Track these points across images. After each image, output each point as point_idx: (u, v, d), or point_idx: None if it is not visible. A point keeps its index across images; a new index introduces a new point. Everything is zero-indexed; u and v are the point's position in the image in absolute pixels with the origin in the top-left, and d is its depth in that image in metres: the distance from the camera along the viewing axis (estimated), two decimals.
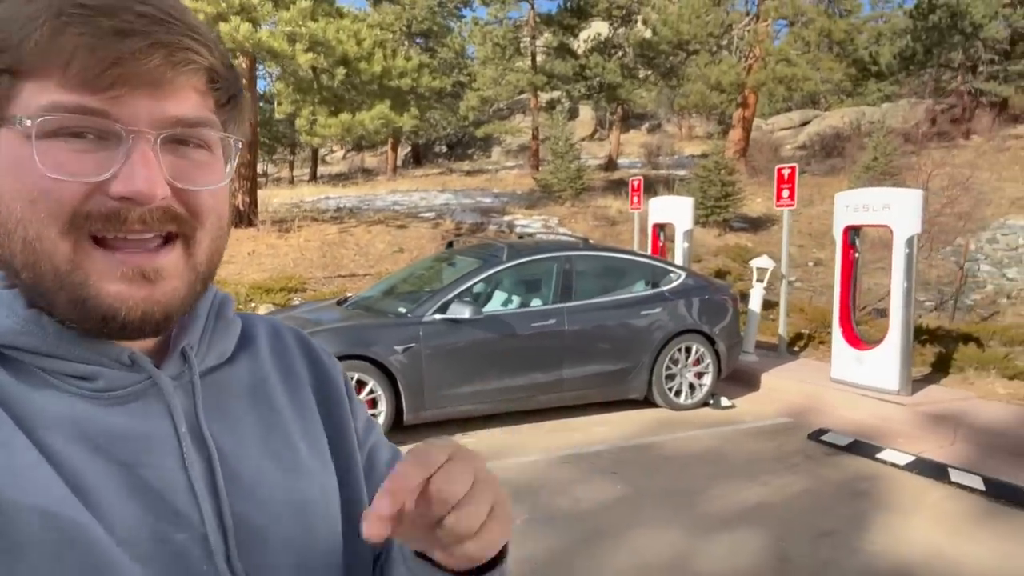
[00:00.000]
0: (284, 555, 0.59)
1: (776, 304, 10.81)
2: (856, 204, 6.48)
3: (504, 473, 4.73)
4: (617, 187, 23.34)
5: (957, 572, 3.48)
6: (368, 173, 31.18)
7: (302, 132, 12.58)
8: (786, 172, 7.83)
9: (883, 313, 9.93)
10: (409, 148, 36.70)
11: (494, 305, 5.93)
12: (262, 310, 9.00)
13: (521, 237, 12.27)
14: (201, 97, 0.55)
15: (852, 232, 6.63)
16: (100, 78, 0.50)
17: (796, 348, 8.43)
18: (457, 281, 5.59)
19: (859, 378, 6.34)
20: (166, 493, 0.54)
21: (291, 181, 30.79)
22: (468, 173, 27.15)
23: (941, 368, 7.16)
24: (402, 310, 5.45)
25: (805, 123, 34.58)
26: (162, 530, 0.53)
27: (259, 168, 38.71)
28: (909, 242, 6.06)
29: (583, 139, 39.92)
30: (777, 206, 8.01)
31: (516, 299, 6.02)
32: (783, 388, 6.83)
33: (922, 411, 5.76)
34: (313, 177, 29.22)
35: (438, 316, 5.30)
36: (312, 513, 0.63)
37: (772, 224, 15.82)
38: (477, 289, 5.71)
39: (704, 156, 19.24)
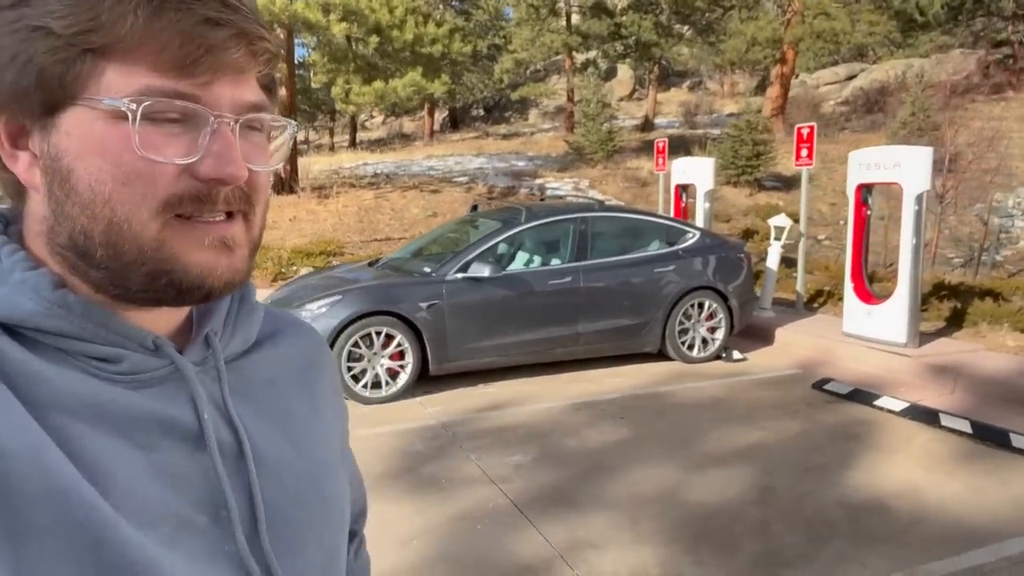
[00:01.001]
0: (306, 539, 0.61)
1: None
2: (868, 162, 6.63)
3: (521, 419, 5.15)
4: (652, 148, 23.32)
5: (926, 502, 3.79)
6: (406, 138, 31.55)
7: (338, 100, 12.96)
8: (804, 131, 7.95)
9: None
10: (447, 112, 36.95)
11: (514, 264, 6.30)
12: (303, 272, 9.51)
13: (543, 200, 12.55)
14: (258, 82, 0.58)
15: (864, 190, 6.79)
16: (193, 65, 0.51)
17: (816, 305, 8.63)
18: (478, 242, 5.97)
19: (869, 332, 6.57)
20: (188, 476, 0.55)
21: (332, 148, 31.34)
22: (504, 136, 27.33)
23: (955, 322, 7.31)
24: (427, 270, 5.86)
25: (851, 77, 33.64)
26: (184, 513, 0.54)
27: (301, 135, 39.38)
28: (918, 199, 6.21)
29: (621, 99, 39.59)
30: (796, 165, 8.15)
31: (535, 258, 6.38)
32: (796, 342, 7.09)
33: (926, 362, 5.98)
34: (352, 143, 29.70)
35: (460, 275, 5.69)
36: (329, 501, 0.66)
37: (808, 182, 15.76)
38: (497, 249, 6.08)
39: (738, 115, 19.11)
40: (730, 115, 27.89)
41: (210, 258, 0.55)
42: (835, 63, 37.36)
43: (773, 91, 21.81)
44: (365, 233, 12.08)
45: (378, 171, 17.37)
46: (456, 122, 35.93)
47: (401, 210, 13.10)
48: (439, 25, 13.34)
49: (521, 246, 6.42)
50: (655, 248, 6.63)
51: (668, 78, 42.04)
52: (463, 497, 3.90)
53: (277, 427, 0.63)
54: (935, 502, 3.80)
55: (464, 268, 5.72)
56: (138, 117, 0.50)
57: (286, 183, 14.31)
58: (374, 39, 12.37)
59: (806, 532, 3.50)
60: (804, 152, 7.94)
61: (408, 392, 5.60)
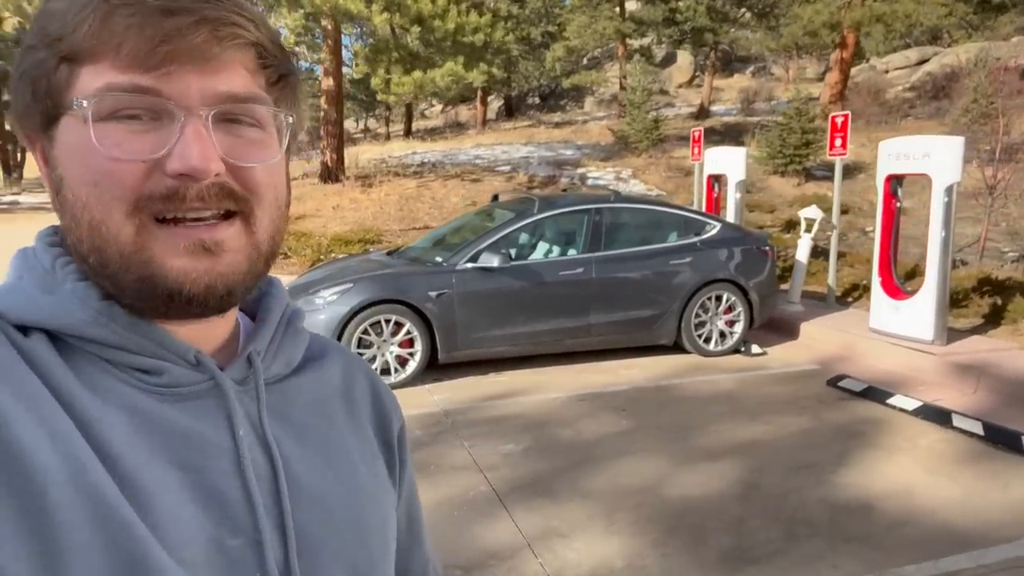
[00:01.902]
0: (340, 566, 0.60)
1: (842, 255, 10.66)
2: (897, 152, 6.40)
3: (522, 408, 5.21)
4: (707, 136, 22.82)
5: (917, 504, 3.69)
6: (460, 127, 31.76)
7: (378, 91, 13.17)
8: (839, 120, 7.71)
9: (956, 265, 9.62)
10: (502, 101, 36.98)
11: (528, 254, 6.33)
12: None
13: (564, 191, 12.49)
14: (251, 75, 0.56)
15: (894, 181, 6.56)
16: (149, 56, 0.51)
17: (850, 299, 8.38)
18: (489, 232, 6.02)
19: (895, 328, 6.37)
20: (221, 497, 0.54)
21: (387, 137, 31.83)
22: (556, 125, 27.21)
23: (994, 319, 7.01)
24: (439, 259, 5.95)
25: (923, 61, 32.21)
26: (217, 535, 0.53)
27: (360, 124, 39.96)
28: (948, 191, 5.98)
29: (680, 86, 38.90)
30: (830, 155, 7.91)
31: (548, 249, 6.40)
32: (821, 337, 6.92)
33: (951, 360, 5.77)
34: (407, 132, 30.08)
35: (469, 265, 5.77)
36: (368, 529, 0.64)
37: (859, 172, 15.23)
38: (510, 240, 6.12)
39: (789, 101, 18.56)
40: (790, 101, 27.14)
41: (186, 263, 0.53)
42: (907, 47, 35.86)
43: (832, 77, 21.11)
44: (404, 222, 12.27)
45: (425, 160, 17.58)
46: (511, 110, 35.94)
47: (441, 199, 13.25)
48: (481, 14, 13.36)
49: (535, 237, 6.45)
50: (672, 240, 6.57)
51: (731, 64, 41.08)
52: (447, 483, 3.98)
53: (315, 451, 0.62)
54: (926, 504, 3.70)
55: (474, 258, 5.79)
56: (90, 116, 0.50)
57: (332, 172, 14.64)
58: (415, 29, 12.50)
59: (782, 530, 3.46)
60: (838, 142, 7.70)
61: (418, 379, 5.71)
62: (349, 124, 41.58)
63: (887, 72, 31.47)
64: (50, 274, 0.56)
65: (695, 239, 6.57)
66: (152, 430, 0.53)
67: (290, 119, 0.59)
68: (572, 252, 6.27)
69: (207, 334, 0.60)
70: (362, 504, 0.64)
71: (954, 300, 7.76)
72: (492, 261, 5.70)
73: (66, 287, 0.55)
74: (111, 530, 0.47)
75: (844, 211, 13.19)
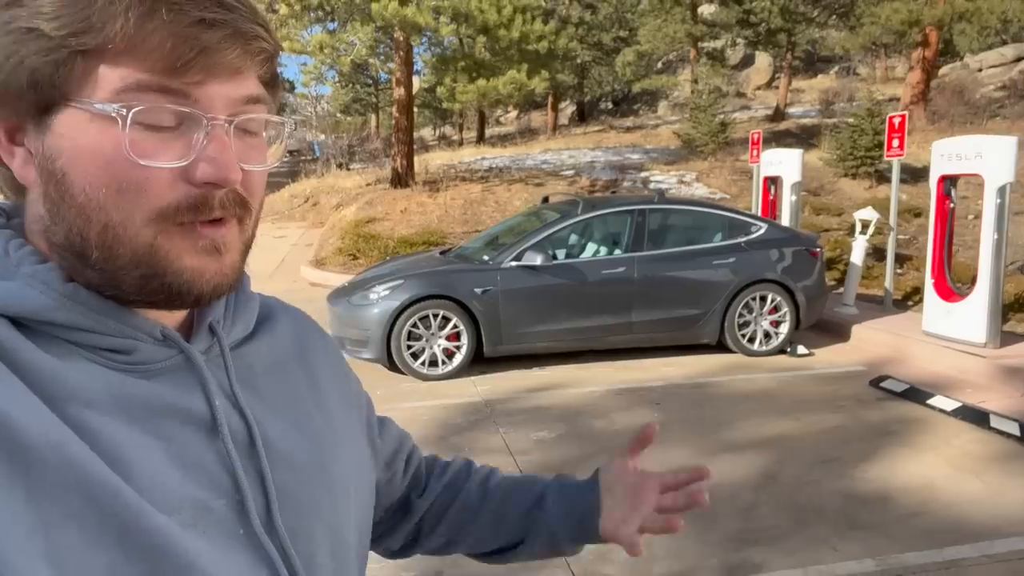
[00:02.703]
0: (316, 518, 0.62)
1: (908, 258, 10.41)
2: (950, 153, 6.32)
3: (560, 400, 5.44)
4: (782, 138, 22.42)
5: (934, 498, 3.73)
6: (532, 133, 32.13)
7: (443, 99, 13.62)
8: (896, 121, 7.61)
9: None
10: (575, 106, 37.18)
11: (572, 254, 6.57)
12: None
13: (614, 193, 12.57)
14: (260, 81, 0.58)
15: (947, 181, 6.47)
16: (186, 67, 0.51)
17: (910, 302, 8.23)
18: (534, 232, 6.29)
19: (948, 331, 6.28)
20: (202, 463, 0.56)
21: (460, 143, 32.52)
22: (627, 130, 27.22)
23: None
24: (485, 258, 6.26)
25: (1020, 58, 30.61)
26: (202, 498, 0.54)
27: (437, 132, 40.85)
28: (1000, 191, 5.88)
29: (758, 88, 38.11)
30: (887, 156, 7.81)
31: (592, 249, 6.62)
32: (872, 340, 6.86)
33: (1002, 363, 5.66)
34: (480, 139, 30.65)
35: (514, 263, 6.05)
36: (335, 483, 0.66)
37: None
38: (553, 240, 6.36)
39: (876, 102, 18.06)
40: (879, 102, 26.27)
41: (200, 263, 0.55)
42: (1004, 43, 34.09)
43: (913, 76, 20.37)
44: (468, 225, 12.66)
45: (492, 165, 17.99)
46: (583, 115, 36.10)
47: (504, 203, 13.59)
48: (546, 22, 13.66)
49: (580, 237, 6.68)
50: (716, 240, 6.67)
51: (814, 64, 39.98)
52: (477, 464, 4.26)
53: (280, 412, 0.64)
54: (944, 499, 3.73)
55: (518, 257, 6.06)
56: (128, 122, 0.50)
57: (402, 177, 15.20)
58: (481, 38, 12.90)
59: (791, 517, 3.58)
60: (895, 142, 7.60)
61: (464, 371, 6.02)
62: (426, 132, 42.67)
63: (980, 70, 30.05)
64: (2, 258, 0.55)
65: (740, 240, 6.65)
66: (128, 405, 0.53)
67: (292, 125, 0.63)
68: (616, 252, 6.47)
69: (169, 311, 0.60)
70: (328, 458, 0.66)
71: (1017, 304, 7.55)
72: (535, 260, 5.96)
73: (24, 270, 0.54)
74: (101, 500, 0.47)
75: (917, 214, 12.82)
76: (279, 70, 0.62)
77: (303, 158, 29.93)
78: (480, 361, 6.13)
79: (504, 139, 29.99)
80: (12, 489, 0.45)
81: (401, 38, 14.11)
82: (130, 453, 0.51)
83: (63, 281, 0.54)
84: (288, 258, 12.90)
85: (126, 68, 0.50)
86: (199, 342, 0.61)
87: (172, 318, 0.60)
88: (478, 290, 5.92)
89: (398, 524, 0.91)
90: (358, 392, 0.80)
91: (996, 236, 5.91)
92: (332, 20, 13.97)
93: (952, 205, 6.53)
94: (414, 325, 5.84)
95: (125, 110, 0.50)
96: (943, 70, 29.84)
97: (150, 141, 0.51)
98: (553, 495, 0.90)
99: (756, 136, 10.08)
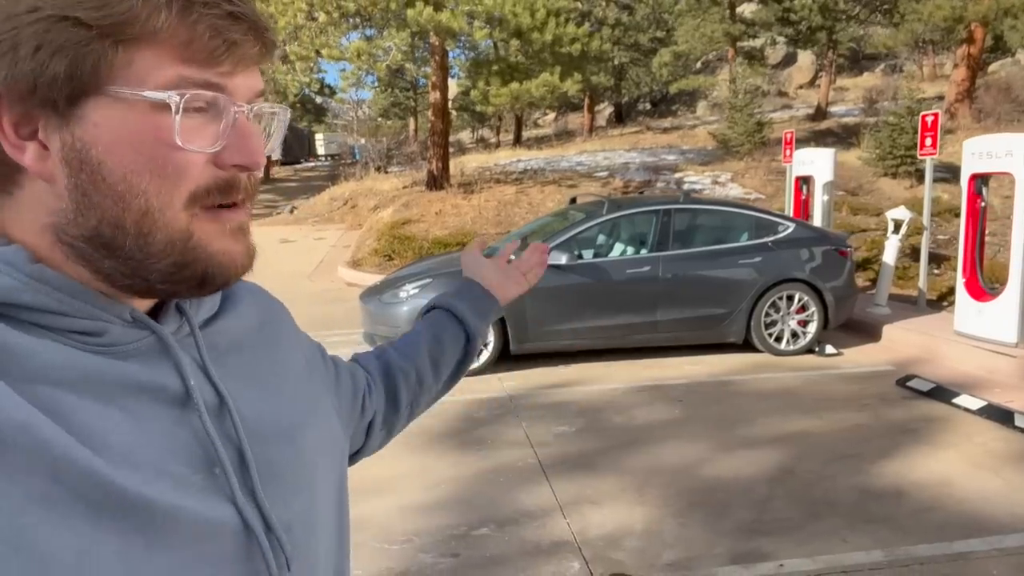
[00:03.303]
0: (293, 488, 0.64)
1: (946, 258, 10.24)
2: (981, 151, 6.26)
3: (583, 396, 5.55)
4: (823, 138, 22.11)
5: (949, 494, 3.75)
6: (570, 135, 32.18)
7: (477, 102, 13.81)
8: (929, 119, 7.53)
9: None
10: (612, 108, 37.13)
11: (600, 253, 6.66)
12: None
13: (641, 193, 12.57)
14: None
15: (978, 180, 6.40)
16: (220, 58, 0.54)
17: (945, 303, 8.12)
18: (560, 232, 6.41)
19: (979, 330, 6.21)
20: (180, 439, 0.56)
21: (497, 144, 32.73)
22: (664, 131, 27.10)
23: None
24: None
25: None
26: (180, 473, 0.55)
27: (475, 135, 41.11)
28: None
29: (800, 87, 37.56)
30: (920, 155, 7.73)
31: (619, 248, 6.70)
32: (903, 340, 6.82)
33: None
34: (516, 141, 30.83)
35: None
36: (307, 451, 0.68)
37: None
38: (579, 239, 6.47)
39: (917, 100, 17.72)
40: (920, 100, 25.73)
41: (231, 246, 0.57)
42: None
43: (958, 74, 19.91)
44: (501, 226, 12.81)
45: (527, 167, 18.12)
46: (621, 117, 36.03)
47: (538, 204, 13.71)
48: (579, 25, 13.75)
49: (606, 236, 6.77)
50: (743, 240, 6.70)
51: (859, 62, 39.25)
52: (500, 456, 4.40)
53: (250, 386, 0.65)
54: (960, 494, 3.75)
55: None
56: (180, 109, 0.52)
57: (437, 180, 15.43)
58: (515, 42, 13.06)
59: (805, 509, 3.64)
60: (928, 141, 7.52)
61: (491, 368, 6.16)
62: (464, 135, 43.02)
63: None
64: None
65: (767, 239, 6.67)
66: (101, 385, 0.53)
67: (288, 114, 0.65)
68: (642, 251, 6.54)
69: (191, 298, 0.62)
70: (300, 427, 0.68)
71: None
72: (561, 259, 6.08)
73: None
74: (71, 479, 0.47)
75: (958, 214, 12.56)
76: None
77: (343, 162, 30.40)
78: (507, 358, 6.27)
79: (541, 141, 30.08)
80: None
81: (436, 43, 14.35)
82: (105, 432, 0.51)
83: (29, 262, 0.53)
84: (327, 259, 13.22)
85: (165, 57, 0.52)
86: (168, 323, 0.61)
87: (141, 302, 0.60)
88: None
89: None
90: (312, 350, 0.82)
91: None
92: (369, 27, 14.26)
93: (983, 204, 6.46)
94: None
95: (179, 96, 0.52)
96: (993, 67, 29.04)
97: (188, 126, 0.53)
98: (460, 306, 1.07)
99: (789, 136, 10.03)
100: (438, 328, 1.04)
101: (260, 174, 0.60)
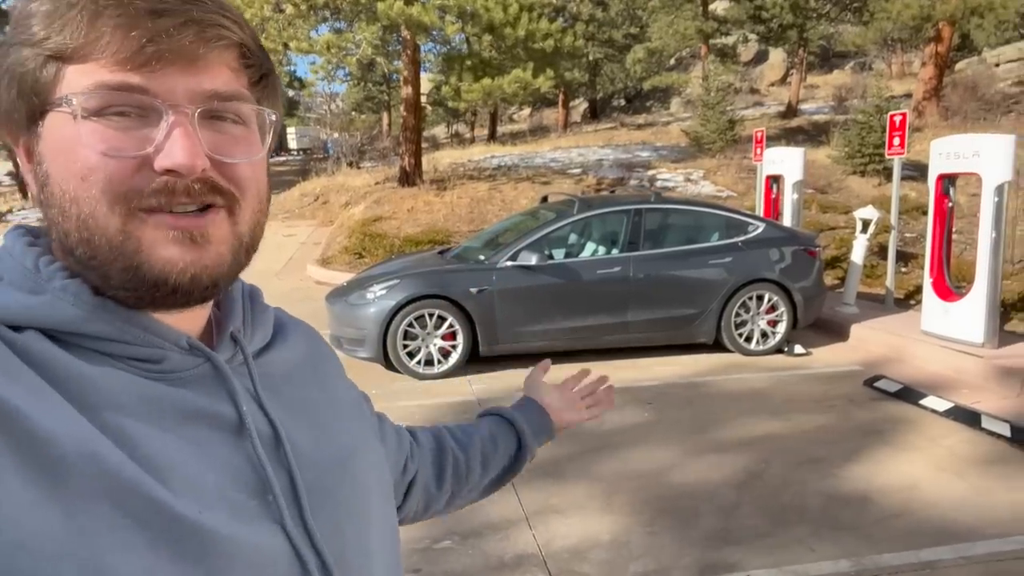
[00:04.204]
0: (345, 517, 0.65)
1: (914, 256, 10.34)
2: (948, 152, 6.28)
3: None
4: (793, 135, 22.27)
5: (916, 499, 3.74)
6: (545, 131, 32.12)
7: (449, 98, 13.68)
8: (897, 119, 7.57)
9: None
10: (587, 104, 37.13)
11: (569, 253, 6.59)
12: None
13: (612, 192, 12.58)
14: (234, 74, 0.58)
15: (946, 180, 6.43)
16: (137, 56, 0.52)
17: (912, 301, 8.18)
18: (530, 232, 6.33)
19: (946, 330, 6.25)
20: (235, 465, 0.58)
21: (472, 140, 32.58)
22: (638, 127, 27.15)
23: None
24: (481, 258, 6.30)
25: None
26: (237, 499, 0.56)
27: (450, 130, 40.90)
28: (998, 190, 5.84)
29: (771, 84, 37.89)
30: (888, 155, 7.77)
31: (590, 248, 6.64)
32: (871, 339, 6.84)
33: (999, 364, 5.63)
34: (491, 137, 30.68)
35: (509, 263, 6.09)
36: (360, 483, 0.69)
37: None
38: (549, 239, 6.39)
39: (886, 99, 17.90)
40: (889, 98, 26.04)
41: (174, 253, 0.55)
42: (1021, 37, 33.65)
43: (926, 72, 20.18)
44: (474, 223, 12.70)
45: (501, 163, 18.02)
46: (596, 113, 36.04)
47: (511, 201, 13.62)
48: (552, 20, 13.67)
49: (576, 236, 6.70)
50: (713, 240, 6.67)
51: (829, 60, 39.66)
52: None
53: (301, 415, 0.66)
54: (926, 499, 3.74)
55: (514, 257, 6.10)
56: (79, 114, 0.52)
57: (410, 176, 15.27)
58: (487, 37, 12.93)
59: (773, 516, 3.60)
60: (896, 140, 7.56)
61: (459, 371, 6.07)
62: (439, 130, 42.75)
63: (997, 65, 29.69)
64: (34, 273, 0.57)
65: (737, 239, 6.65)
66: (161, 411, 0.55)
67: (273, 116, 0.62)
68: (613, 251, 6.49)
69: (192, 319, 0.63)
70: (350, 455, 0.69)
71: (1020, 304, 7.49)
72: (531, 259, 6.00)
73: (55, 284, 0.56)
74: (136, 506, 0.49)
75: (925, 212, 12.71)
76: (268, 67, 0.62)
77: (315, 156, 30.03)
78: (476, 360, 6.18)
79: (516, 137, 29.99)
80: (49, 501, 0.46)
81: (408, 37, 14.17)
82: (165, 458, 0.53)
83: (92, 294, 0.56)
84: (296, 256, 13.01)
85: (87, 65, 0.53)
86: (223, 351, 0.63)
87: (193, 329, 0.63)
88: (473, 290, 5.96)
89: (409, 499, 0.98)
90: (359, 396, 0.84)
91: (994, 235, 5.87)
92: (339, 19, 14.05)
93: (951, 204, 6.50)
94: (410, 324, 5.90)
95: (75, 100, 0.52)
96: (959, 65, 29.51)
97: (111, 131, 0.53)
98: (519, 417, 1.11)
99: (760, 134, 10.05)
100: (496, 430, 1.08)
101: (242, 180, 0.58)
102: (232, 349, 0.64)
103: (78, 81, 0.53)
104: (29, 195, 0.68)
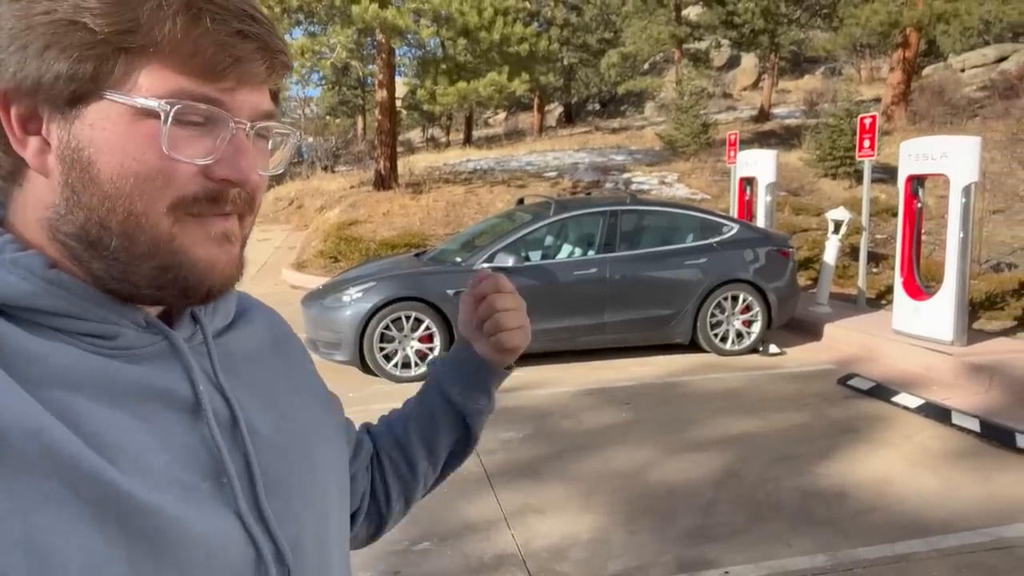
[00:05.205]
0: (302, 503, 0.63)
1: (885, 257, 10.51)
2: (917, 153, 6.40)
3: (530, 401, 5.47)
4: (766, 139, 22.54)
5: (890, 493, 3.79)
6: (520, 134, 32.16)
7: (424, 101, 13.65)
8: (867, 122, 7.69)
9: (1002, 268, 9.39)
10: (562, 108, 37.25)
11: (546, 255, 6.61)
12: None
13: (588, 194, 12.66)
14: (269, 93, 0.61)
15: (915, 181, 6.55)
16: (222, 73, 0.54)
17: (884, 301, 8.31)
18: (507, 234, 6.33)
19: (916, 329, 6.35)
20: (189, 446, 0.56)
21: (447, 144, 32.52)
22: (613, 131, 27.30)
23: None
24: (458, 260, 6.29)
25: (1002, 59, 30.90)
26: (188, 480, 0.54)
27: (427, 134, 40.81)
28: (965, 191, 5.96)
29: (744, 89, 38.32)
30: (859, 157, 7.89)
31: (564, 250, 6.66)
32: (843, 338, 6.94)
33: (968, 361, 5.74)
34: (467, 140, 30.66)
35: (486, 265, 6.08)
36: (318, 467, 0.68)
37: None
38: (526, 241, 6.40)
39: (856, 103, 18.19)
40: (859, 102, 26.47)
41: (214, 252, 0.57)
42: (986, 43, 34.40)
43: (894, 77, 20.56)
44: (450, 227, 12.67)
45: (477, 167, 18.01)
46: (571, 117, 36.18)
47: (487, 204, 13.61)
48: (527, 25, 13.71)
49: (552, 238, 6.72)
50: (688, 241, 6.72)
51: (800, 65, 40.23)
52: None
53: (262, 398, 0.65)
54: (900, 494, 3.79)
55: (490, 259, 6.10)
56: (170, 118, 0.53)
57: (385, 180, 15.20)
58: (462, 41, 12.93)
59: (750, 513, 3.63)
60: (866, 143, 7.68)
61: None
62: (414, 134, 42.62)
63: (963, 70, 30.33)
64: None
65: (712, 240, 6.71)
66: (112, 388, 0.54)
67: (295, 139, 0.66)
68: (589, 253, 6.51)
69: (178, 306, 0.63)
70: (311, 442, 0.68)
71: (991, 302, 7.64)
72: (507, 261, 6.00)
73: (5, 257, 0.54)
74: (82, 483, 0.47)
75: (895, 213, 12.93)
76: (280, 85, 0.65)
77: (290, 160, 29.70)
78: None
79: (491, 141, 29.99)
80: None
81: (383, 40, 14.13)
82: (115, 436, 0.51)
83: (46, 267, 0.55)
84: (271, 260, 12.89)
85: (167, 68, 0.53)
86: (182, 329, 0.62)
87: (153, 308, 0.61)
88: (450, 292, 5.94)
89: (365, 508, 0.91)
90: (327, 393, 0.81)
91: (962, 235, 5.99)
92: (313, 23, 13.96)
93: (920, 205, 6.61)
94: (387, 327, 5.86)
95: (168, 106, 0.53)
96: (927, 70, 30.09)
97: (181, 136, 0.54)
98: (443, 375, 0.94)
99: (733, 137, 10.16)
100: (428, 405, 0.95)
101: (260, 192, 0.60)
102: (192, 328, 0.64)
103: (156, 82, 0.53)
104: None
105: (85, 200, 0.54)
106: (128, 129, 0.53)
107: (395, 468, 0.91)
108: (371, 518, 0.90)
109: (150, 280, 0.56)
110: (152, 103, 0.53)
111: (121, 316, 0.57)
